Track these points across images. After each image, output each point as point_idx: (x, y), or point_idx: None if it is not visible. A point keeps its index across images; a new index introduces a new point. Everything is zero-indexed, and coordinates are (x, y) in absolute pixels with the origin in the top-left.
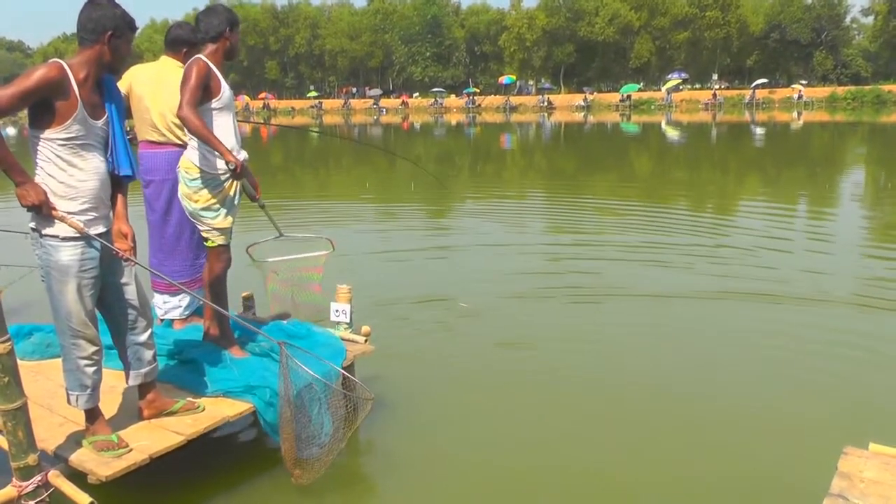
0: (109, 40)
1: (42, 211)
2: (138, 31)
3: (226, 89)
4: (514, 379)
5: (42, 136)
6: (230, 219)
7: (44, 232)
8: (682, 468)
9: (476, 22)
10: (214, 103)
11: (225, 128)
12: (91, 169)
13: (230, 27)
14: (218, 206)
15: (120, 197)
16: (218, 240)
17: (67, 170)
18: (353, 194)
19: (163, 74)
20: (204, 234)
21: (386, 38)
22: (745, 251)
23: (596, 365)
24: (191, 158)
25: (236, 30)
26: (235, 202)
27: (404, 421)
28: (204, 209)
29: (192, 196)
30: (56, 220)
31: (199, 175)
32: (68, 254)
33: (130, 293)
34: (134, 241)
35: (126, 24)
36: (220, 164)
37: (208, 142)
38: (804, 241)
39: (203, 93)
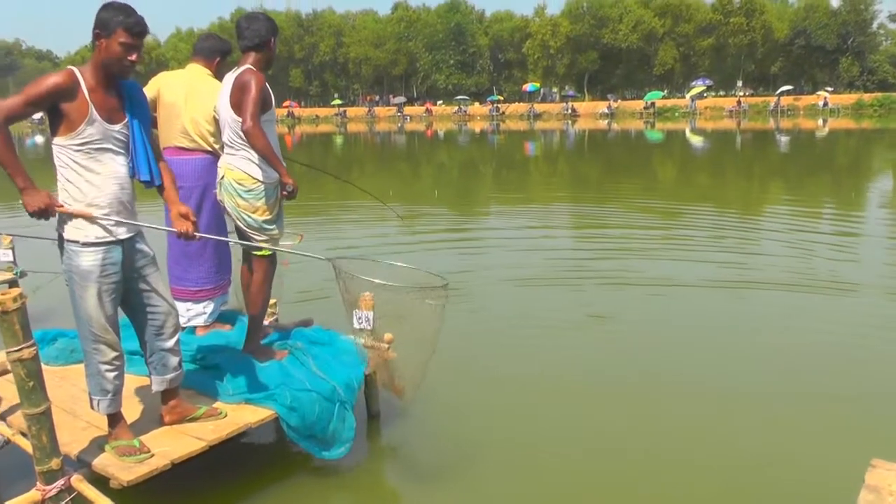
0: (97, 38)
1: (48, 214)
2: (163, 40)
3: (273, 101)
4: (538, 377)
5: (58, 142)
6: (282, 226)
7: (65, 237)
8: (703, 477)
9: (500, 29)
10: (266, 116)
11: (273, 141)
12: (109, 173)
13: (274, 35)
14: (276, 216)
15: (168, 183)
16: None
17: (85, 174)
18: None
19: (194, 82)
20: (260, 245)
21: (410, 45)
22: (776, 245)
23: (621, 360)
24: (244, 169)
25: (277, 38)
26: (282, 210)
27: (427, 424)
28: (266, 221)
29: (249, 208)
30: (76, 226)
31: (254, 186)
32: (89, 259)
33: (157, 298)
34: (194, 217)
35: (119, 23)
36: (275, 174)
37: (270, 160)
38: (833, 241)
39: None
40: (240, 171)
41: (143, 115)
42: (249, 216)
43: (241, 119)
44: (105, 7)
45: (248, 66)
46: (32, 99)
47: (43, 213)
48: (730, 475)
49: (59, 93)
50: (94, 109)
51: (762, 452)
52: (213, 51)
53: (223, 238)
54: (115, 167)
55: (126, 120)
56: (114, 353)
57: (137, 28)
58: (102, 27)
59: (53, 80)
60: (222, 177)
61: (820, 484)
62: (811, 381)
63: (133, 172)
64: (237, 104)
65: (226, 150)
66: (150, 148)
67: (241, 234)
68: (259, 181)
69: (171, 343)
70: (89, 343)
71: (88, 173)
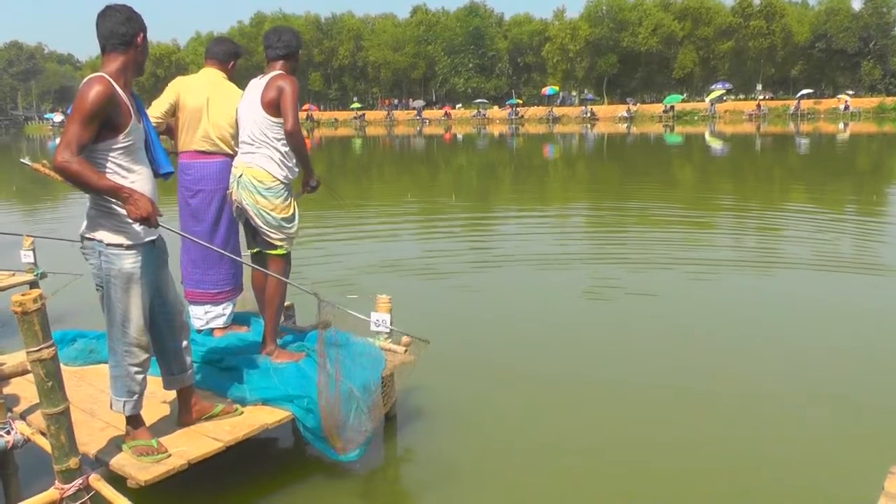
0: (142, 41)
1: (151, 221)
2: (184, 44)
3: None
4: (556, 375)
5: (101, 147)
6: (298, 223)
7: (106, 242)
8: (716, 482)
9: (519, 33)
10: None
11: None
12: (145, 172)
13: (300, 47)
14: (294, 213)
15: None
16: (288, 247)
17: (128, 176)
18: (397, 200)
19: (215, 86)
20: (277, 243)
21: (429, 49)
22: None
23: (638, 361)
24: (264, 167)
25: (301, 50)
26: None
27: (444, 426)
28: (285, 219)
29: (269, 206)
30: (118, 229)
31: (273, 184)
32: (131, 262)
33: (174, 299)
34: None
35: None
36: (293, 173)
37: (306, 161)
38: (855, 238)
39: None
40: (260, 168)
41: (144, 109)
42: (269, 213)
43: (281, 120)
44: (121, 10)
45: (279, 71)
46: (89, 116)
47: (147, 219)
48: (744, 481)
49: (109, 100)
50: (132, 111)
51: (779, 457)
52: (228, 54)
53: (235, 228)
54: (146, 166)
55: (143, 118)
56: (146, 356)
57: None
58: (145, 28)
59: (99, 91)
60: (240, 175)
61: (838, 491)
62: (830, 383)
63: (153, 167)
64: (270, 103)
65: (243, 147)
66: (159, 141)
67: (257, 233)
68: (279, 180)
69: (185, 342)
70: (122, 346)
71: (131, 174)
